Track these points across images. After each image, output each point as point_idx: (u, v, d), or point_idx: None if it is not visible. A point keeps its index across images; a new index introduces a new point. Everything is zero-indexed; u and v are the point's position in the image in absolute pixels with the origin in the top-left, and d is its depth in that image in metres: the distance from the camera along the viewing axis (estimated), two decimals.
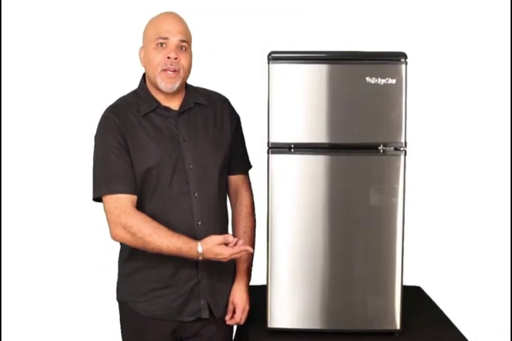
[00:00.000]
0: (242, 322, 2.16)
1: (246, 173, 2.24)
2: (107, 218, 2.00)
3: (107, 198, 1.99)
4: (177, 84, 2.03)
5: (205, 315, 2.08)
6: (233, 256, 1.98)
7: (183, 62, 2.03)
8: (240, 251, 1.96)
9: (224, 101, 2.18)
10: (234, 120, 2.17)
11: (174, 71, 2.01)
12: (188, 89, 2.14)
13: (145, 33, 2.09)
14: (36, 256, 3.43)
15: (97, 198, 2.04)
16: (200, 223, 2.05)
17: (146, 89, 2.10)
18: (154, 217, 1.99)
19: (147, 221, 1.95)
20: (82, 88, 3.39)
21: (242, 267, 2.17)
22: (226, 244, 1.95)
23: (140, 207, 2.02)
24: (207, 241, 1.95)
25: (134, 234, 1.94)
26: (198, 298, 2.08)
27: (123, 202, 1.97)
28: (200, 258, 1.96)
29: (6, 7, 3.34)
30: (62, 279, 3.43)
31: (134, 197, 1.99)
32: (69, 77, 3.40)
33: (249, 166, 2.25)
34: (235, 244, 1.95)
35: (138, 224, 1.94)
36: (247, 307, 2.15)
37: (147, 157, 2.01)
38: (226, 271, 2.14)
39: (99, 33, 3.36)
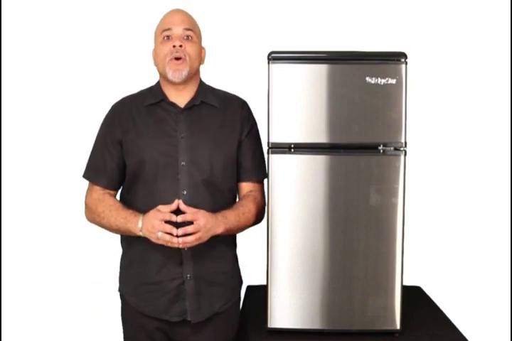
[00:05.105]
0: (181, 235, 1.92)
1: (258, 182, 2.14)
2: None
3: (89, 183, 2.14)
4: (185, 72, 2.03)
5: (191, 317, 2.06)
6: (162, 241, 1.91)
7: (189, 49, 2.04)
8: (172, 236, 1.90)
9: (240, 106, 2.14)
10: (247, 125, 2.12)
11: (180, 59, 2.02)
12: (201, 87, 2.13)
13: (154, 33, 2.12)
14: (38, 250, 3.42)
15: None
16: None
17: (158, 85, 2.13)
18: (142, 210, 1.99)
19: (105, 199, 2.06)
20: (88, 90, 3.39)
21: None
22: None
23: (128, 199, 2.08)
24: (151, 213, 1.94)
25: (93, 213, 2.07)
26: (184, 299, 2.06)
27: (97, 192, 2.09)
28: (140, 233, 1.95)
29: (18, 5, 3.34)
30: (65, 275, 3.43)
31: (107, 191, 2.10)
32: (74, 78, 3.40)
33: (263, 175, 2.13)
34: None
35: (96, 204, 2.06)
36: (204, 228, 1.92)
37: (140, 150, 2.03)
38: (217, 275, 2.10)
39: (106, 34, 3.36)
